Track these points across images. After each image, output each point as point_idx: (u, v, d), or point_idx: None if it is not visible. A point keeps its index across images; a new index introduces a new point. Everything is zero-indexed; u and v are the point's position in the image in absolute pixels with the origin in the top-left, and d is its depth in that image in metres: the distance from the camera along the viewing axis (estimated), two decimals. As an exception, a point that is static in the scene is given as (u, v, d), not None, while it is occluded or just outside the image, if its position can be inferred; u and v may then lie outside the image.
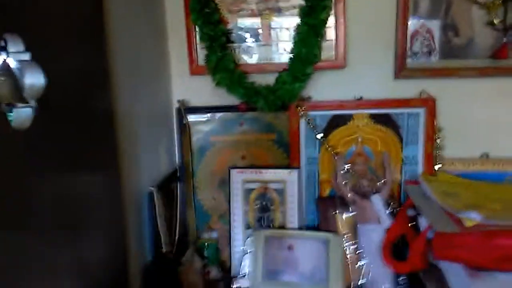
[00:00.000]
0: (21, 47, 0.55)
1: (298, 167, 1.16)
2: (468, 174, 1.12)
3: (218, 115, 1.20)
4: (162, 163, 1.15)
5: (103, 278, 0.80)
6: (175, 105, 1.20)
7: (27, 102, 0.56)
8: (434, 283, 0.95)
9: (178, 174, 1.20)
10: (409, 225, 1.03)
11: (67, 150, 0.69)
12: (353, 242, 1.08)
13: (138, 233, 0.98)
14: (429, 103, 1.10)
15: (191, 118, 1.20)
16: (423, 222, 0.93)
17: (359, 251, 1.06)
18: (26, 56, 0.56)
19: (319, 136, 1.14)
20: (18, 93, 0.55)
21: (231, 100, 1.17)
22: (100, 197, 0.80)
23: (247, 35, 1.18)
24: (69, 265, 0.70)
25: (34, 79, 0.56)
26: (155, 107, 1.13)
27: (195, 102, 1.21)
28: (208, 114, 1.20)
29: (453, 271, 0.87)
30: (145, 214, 1.00)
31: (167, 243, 1.05)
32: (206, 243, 1.17)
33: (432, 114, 1.10)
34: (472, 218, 0.82)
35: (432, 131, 1.10)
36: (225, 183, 1.19)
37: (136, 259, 0.97)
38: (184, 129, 1.19)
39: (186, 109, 1.19)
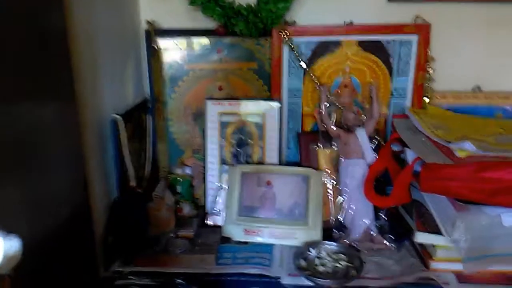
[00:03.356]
0: None
1: (279, 99, 1.07)
2: (458, 108, 1.07)
3: (193, 40, 1.08)
4: (129, 92, 1.05)
5: (62, 215, 0.72)
6: (144, 26, 1.08)
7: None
8: (415, 218, 0.92)
9: (148, 105, 1.10)
10: (393, 160, 0.98)
11: (13, 76, 0.59)
12: (334, 177, 1.03)
13: (101, 166, 0.90)
14: (423, 30, 1.01)
15: (162, 42, 1.08)
16: (409, 156, 0.87)
17: (341, 187, 1.01)
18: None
19: (303, 64, 1.05)
20: None
21: (208, 22, 1.05)
22: (54, 128, 0.70)
23: None
24: (20, 204, 0.61)
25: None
26: (120, 28, 1.00)
27: (167, 24, 1.09)
28: (182, 39, 1.08)
29: (438, 204, 0.83)
30: (109, 146, 0.91)
31: (136, 178, 0.97)
32: (179, 179, 1.09)
33: (425, 41, 1.02)
34: (465, 148, 0.76)
35: (425, 61, 1.03)
36: (200, 116, 1.11)
37: (101, 194, 0.89)
38: (154, 55, 1.07)
39: (156, 31, 1.07)
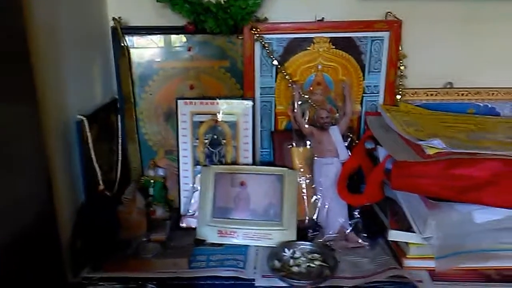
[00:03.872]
0: None
1: (252, 98, 1.05)
2: (430, 104, 1.07)
3: (162, 37, 1.05)
4: (97, 92, 1.01)
5: (25, 220, 0.69)
6: (111, 23, 1.04)
7: None
8: (389, 216, 0.91)
9: (117, 105, 1.06)
10: (367, 157, 0.98)
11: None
12: (309, 176, 1.01)
13: (67, 169, 0.86)
14: (394, 26, 1.01)
15: (131, 40, 1.05)
16: (381, 153, 0.87)
17: (315, 186, 1.00)
18: None
19: (275, 62, 1.03)
20: None
21: (177, 19, 1.02)
22: (14, 129, 0.66)
23: None
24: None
25: None
26: (85, 26, 0.97)
27: (135, 21, 1.05)
28: (151, 36, 1.05)
29: (410, 202, 0.83)
30: (75, 148, 0.88)
31: (105, 180, 0.94)
32: (151, 181, 1.07)
33: (397, 38, 1.01)
34: (435, 145, 0.76)
35: (396, 58, 1.02)
36: (171, 116, 1.08)
37: (67, 198, 0.85)
38: (122, 53, 1.04)
39: (123, 29, 1.03)
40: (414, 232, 0.83)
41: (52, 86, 0.80)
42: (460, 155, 0.76)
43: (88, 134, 0.87)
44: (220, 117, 1.05)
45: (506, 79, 1.09)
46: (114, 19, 1.03)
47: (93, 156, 0.89)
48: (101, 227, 0.91)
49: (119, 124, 1.06)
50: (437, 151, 0.76)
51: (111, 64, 1.07)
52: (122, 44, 1.03)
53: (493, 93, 1.08)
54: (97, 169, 0.91)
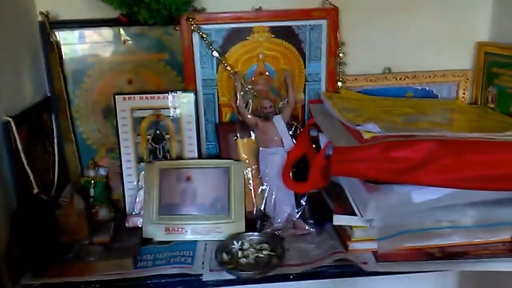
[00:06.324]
0: None
1: (194, 91, 1.03)
2: (370, 90, 1.09)
3: (95, 30, 1.01)
4: (26, 91, 0.95)
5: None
6: (38, 18, 0.98)
7: None
8: (335, 201, 0.92)
9: (50, 104, 1.01)
10: (311, 145, 0.98)
11: None
12: (255, 167, 1.01)
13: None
14: (331, 14, 1.01)
15: (61, 34, 0.99)
16: (323, 140, 0.88)
17: (261, 176, 0.99)
18: None
19: (215, 53, 1.02)
20: None
21: (110, 11, 0.97)
22: None
23: None
24: None
25: None
26: (9, 20, 0.90)
27: (66, 15, 1.00)
28: (82, 30, 1.00)
29: (352, 186, 0.84)
30: (3, 151, 0.82)
31: (41, 183, 0.89)
32: (91, 181, 1.02)
33: (334, 25, 1.02)
34: (370, 129, 0.77)
35: (335, 45, 1.03)
36: (110, 113, 1.03)
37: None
38: (52, 48, 0.98)
39: (53, 23, 0.98)
40: (356, 215, 0.84)
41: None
42: (396, 137, 0.78)
43: (16, 135, 0.82)
44: (161, 111, 1.02)
45: (442, 62, 1.12)
46: (41, 13, 0.97)
47: (23, 158, 0.84)
48: (38, 232, 0.86)
49: (54, 123, 1.01)
50: (372, 135, 0.77)
51: (41, 61, 1.01)
52: (51, 40, 0.97)
53: (429, 76, 1.11)
54: (29, 172, 0.86)
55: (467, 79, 1.12)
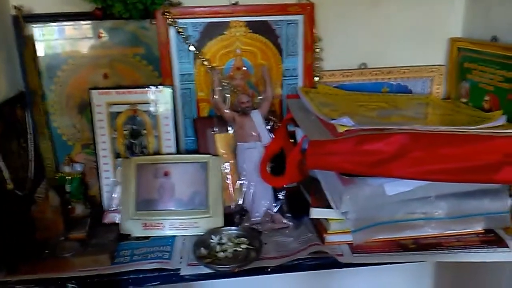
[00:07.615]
0: None
1: (171, 86, 1.03)
2: (347, 85, 1.10)
3: (69, 24, 0.99)
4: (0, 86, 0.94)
5: None
6: (12, 12, 0.96)
7: None
8: (312, 195, 0.94)
9: (24, 99, 0.99)
10: (289, 140, 0.99)
11: None
12: (233, 162, 1.01)
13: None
14: (307, 9, 1.02)
15: (35, 28, 0.98)
16: (299, 134, 0.89)
17: (239, 171, 1.00)
18: None
19: (192, 48, 1.01)
20: None
21: (84, 5, 0.96)
22: None
23: None
24: None
25: None
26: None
27: (39, 8, 0.98)
28: (56, 24, 0.98)
29: (327, 180, 0.85)
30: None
31: (15, 180, 0.88)
32: (67, 177, 1.01)
33: (311, 21, 1.02)
34: (344, 123, 0.79)
35: (312, 40, 1.04)
36: (86, 108, 1.02)
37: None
38: (25, 43, 0.97)
39: (27, 17, 0.96)
40: (332, 208, 0.85)
41: None
42: (369, 131, 0.79)
43: (-12, 131, 0.81)
44: (138, 106, 1.01)
45: (416, 57, 1.14)
46: (14, 7, 0.95)
47: (-4, 154, 0.83)
48: (13, 228, 0.85)
49: (29, 119, 0.99)
50: (346, 128, 0.79)
51: (15, 56, 0.99)
52: (25, 34, 0.96)
53: (404, 72, 1.13)
54: (4, 167, 0.85)
55: (441, 74, 1.15)
